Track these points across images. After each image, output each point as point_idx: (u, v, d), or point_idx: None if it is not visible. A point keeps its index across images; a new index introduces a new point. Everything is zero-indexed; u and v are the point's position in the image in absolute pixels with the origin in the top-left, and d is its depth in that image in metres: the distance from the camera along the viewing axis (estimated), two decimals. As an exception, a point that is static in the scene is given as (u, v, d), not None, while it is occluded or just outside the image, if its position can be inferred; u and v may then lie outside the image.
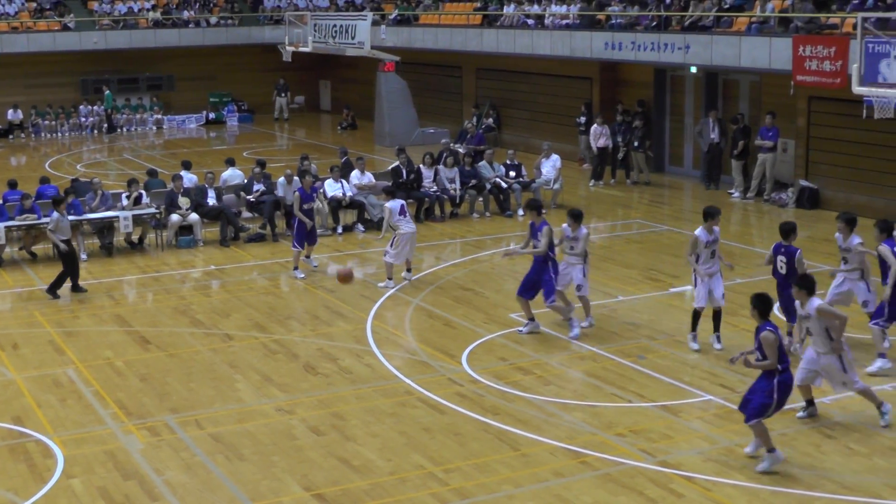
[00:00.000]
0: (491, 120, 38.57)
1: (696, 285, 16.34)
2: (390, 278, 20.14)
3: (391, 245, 20.09)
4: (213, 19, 48.64)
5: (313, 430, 13.70)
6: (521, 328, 17.46)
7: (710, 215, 16.29)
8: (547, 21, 34.91)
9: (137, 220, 23.65)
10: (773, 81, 28.07)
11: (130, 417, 14.25)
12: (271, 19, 49.40)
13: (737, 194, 28.29)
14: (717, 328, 16.39)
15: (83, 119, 45.55)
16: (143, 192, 24.45)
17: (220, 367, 16.19)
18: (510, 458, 12.76)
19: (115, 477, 12.43)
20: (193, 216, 24.09)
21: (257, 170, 25.56)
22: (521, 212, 26.40)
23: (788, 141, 27.93)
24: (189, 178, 25.85)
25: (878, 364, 15.24)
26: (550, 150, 28.04)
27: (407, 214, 20.31)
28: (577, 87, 35.03)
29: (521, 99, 38.06)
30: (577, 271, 17.27)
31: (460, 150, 30.45)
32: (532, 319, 17.39)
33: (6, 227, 22.47)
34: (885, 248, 15.29)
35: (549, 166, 27.56)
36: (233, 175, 26.59)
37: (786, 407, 13.60)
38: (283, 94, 48.58)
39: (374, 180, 26.04)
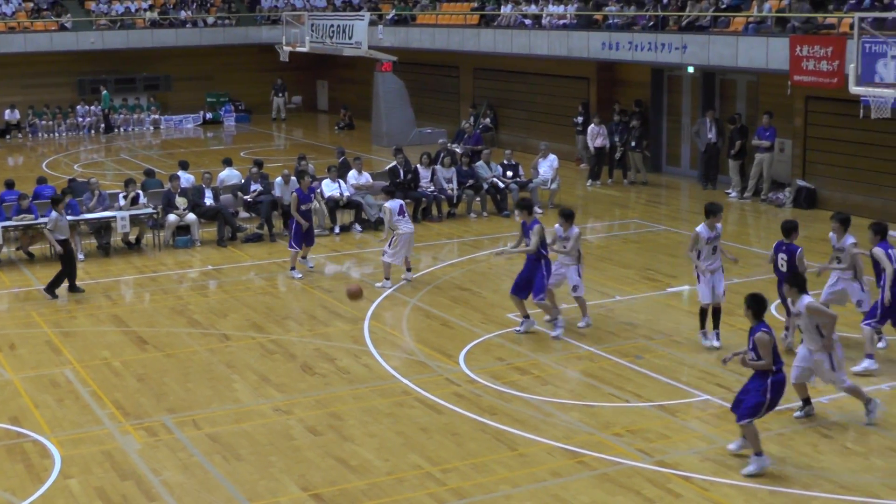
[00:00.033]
0: (488, 120, 38.56)
1: (699, 282, 16.38)
2: (387, 278, 20.14)
3: (389, 245, 20.10)
4: (210, 19, 48.62)
5: (311, 430, 13.70)
6: (517, 328, 17.47)
7: (711, 212, 16.33)
8: (544, 21, 34.91)
9: (134, 220, 23.64)
10: (770, 81, 28.09)
11: (128, 417, 14.24)
12: (268, 19, 49.37)
13: (734, 194, 28.30)
14: (716, 325, 16.42)
15: (80, 119, 45.52)
16: (141, 192, 24.44)
17: (218, 367, 16.19)
18: (507, 457, 12.77)
19: (112, 477, 12.43)
20: (190, 216, 24.08)
21: (255, 170, 25.56)
22: (516, 211, 26.34)
23: (785, 141, 27.95)
24: (186, 179, 25.84)
25: (865, 364, 15.25)
26: (548, 150, 28.04)
27: (406, 215, 20.33)
28: (575, 87, 35.03)
29: (519, 99, 38.06)
30: (572, 272, 17.29)
31: (457, 150, 30.43)
32: (527, 317, 17.40)
33: (3, 227, 22.47)
34: (879, 251, 15.34)
35: (547, 166, 27.56)
36: (230, 175, 26.58)
37: (782, 407, 13.66)
38: (280, 94, 48.57)
39: (371, 180, 26.03)
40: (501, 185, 26.91)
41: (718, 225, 16.38)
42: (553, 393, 14.83)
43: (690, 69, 30.73)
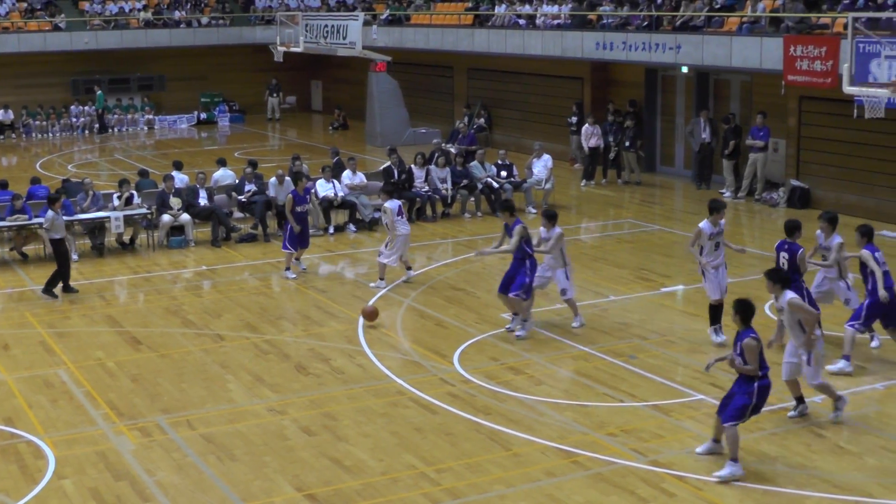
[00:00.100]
0: (482, 120, 38.59)
1: (705, 280, 16.44)
2: (382, 279, 20.13)
3: (386, 245, 20.09)
4: (205, 19, 48.59)
5: (305, 430, 13.70)
6: (508, 326, 17.48)
7: (715, 209, 16.40)
8: (538, 21, 34.93)
9: (128, 220, 23.62)
10: (763, 81, 28.13)
11: (122, 418, 14.23)
12: (262, 19, 49.36)
13: (728, 194, 28.32)
14: (718, 321, 16.47)
15: (74, 119, 45.47)
16: (135, 192, 24.43)
17: (212, 367, 16.18)
18: (502, 457, 12.77)
19: (106, 478, 12.42)
20: (185, 216, 24.07)
21: (249, 170, 25.55)
22: (500, 213, 26.41)
23: (779, 140, 27.98)
24: (180, 179, 25.83)
25: (840, 365, 15.25)
26: (542, 150, 28.06)
27: (403, 215, 20.37)
28: (569, 87, 35.06)
29: (513, 99, 38.08)
30: (559, 275, 17.30)
31: (452, 150, 30.46)
32: (516, 315, 17.42)
33: (-3, 227, 22.46)
34: (866, 253, 15.38)
35: (541, 166, 27.58)
36: (224, 175, 26.57)
37: (776, 406, 13.70)
38: (275, 95, 48.55)
39: (365, 180, 26.04)
40: (496, 185, 26.92)
41: (722, 221, 16.45)
42: (547, 393, 14.84)
43: (684, 69, 30.76)
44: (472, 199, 26.88)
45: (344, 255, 23.25)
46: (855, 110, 22.06)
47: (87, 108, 45.71)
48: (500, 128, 38.73)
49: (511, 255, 17.26)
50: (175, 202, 24.06)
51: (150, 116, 46.96)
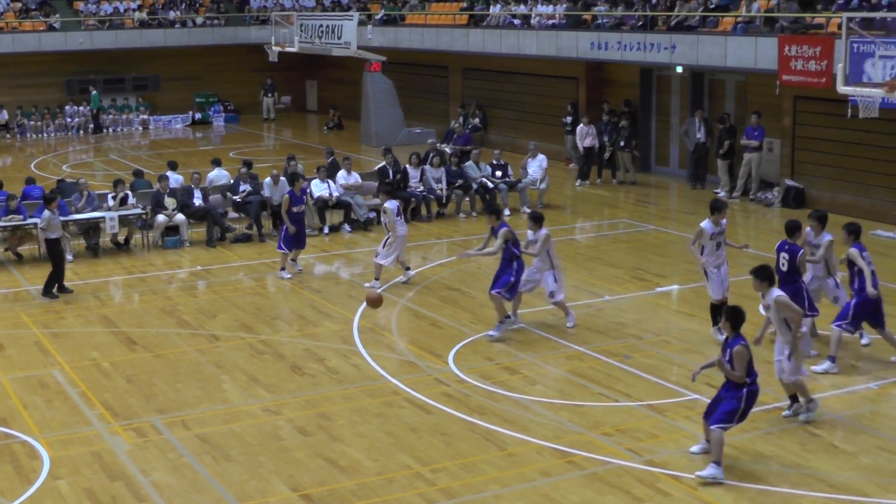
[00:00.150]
0: (477, 120, 38.59)
1: (707, 279, 16.48)
2: (377, 279, 20.12)
3: (383, 246, 20.07)
4: (199, 19, 48.55)
5: (300, 430, 13.69)
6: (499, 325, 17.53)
7: (716, 208, 16.46)
8: (533, 21, 34.94)
9: (123, 220, 23.59)
10: (758, 81, 28.15)
11: (117, 418, 14.22)
12: (257, 19, 49.33)
13: (723, 194, 28.30)
14: (720, 320, 16.50)
15: (69, 119, 45.42)
16: (129, 192, 24.40)
17: (207, 367, 16.18)
18: (497, 457, 12.77)
19: (101, 478, 12.41)
20: (179, 217, 24.05)
21: (244, 170, 25.53)
22: (506, 211, 26.41)
23: (774, 140, 28.00)
24: (175, 179, 25.80)
25: (826, 366, 15.27)
26: (537, 150, 28.06)
27: (402, 216, 20.38)
28: (564, 86, 35.06)
29: (508, 99, 38.07)
30: (548, 278, 17.29)
31: (447, 150, 30.45)
32: (508, 316, 17.45)
33: (-8, 227, 22.45)
34: (854, 252, 15.40)
35: (536, 166, 27.59)
36: (219, 175, 26.55)
37: (771, 406, 13.72)
38: (269, 95, 48.53)
39: (360, 180, 26.03)
40: (490, 185, 26.92)
41: (723, 221, 16.49)
42: (542, 393, 14.85)
43: (679, 69, 30.77)
44: (467, 199, 26.88)
45: (339, 256, 23.24)
46: (849, 110, 22.08)
47: (81, 108, 45.67)
48: (495, 128, 38.73)
49: (496, 258, 17.33)
50: (170, 202, 24.04)
51: (145, 116, 46.90)
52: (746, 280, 18.88)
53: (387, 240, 20.01)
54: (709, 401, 14.03)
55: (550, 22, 34.20)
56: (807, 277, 16.34)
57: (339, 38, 38.77)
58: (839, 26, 22.50)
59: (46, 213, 20.24)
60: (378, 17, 43.28)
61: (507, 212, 26.35)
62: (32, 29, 45.29)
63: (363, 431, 13.60)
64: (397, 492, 11.93)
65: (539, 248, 17.14)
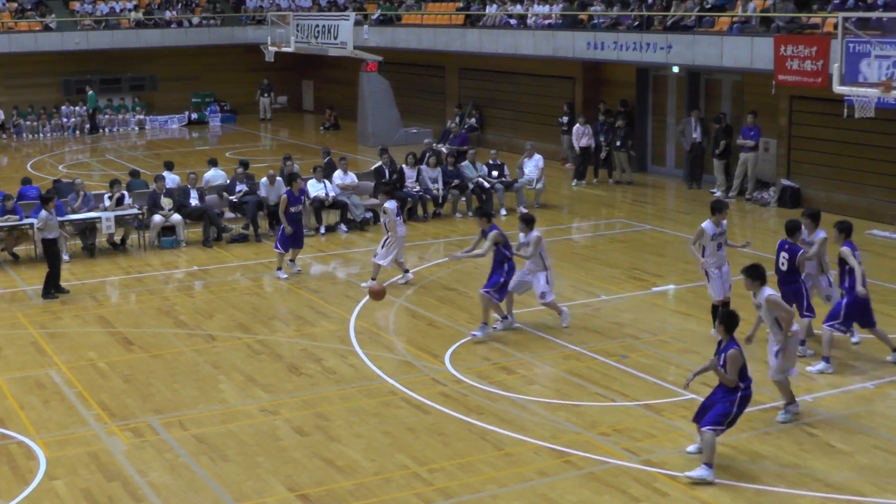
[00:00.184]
0: (474, 120, 38.61)
1: (709, 281, 16.50)
2: (374, 279, 20.11)
3: (382, 246, 20.05)
4: (196, 19, 48.54)
5: (297, 430, 13.69)
6: (495, 325, 17.51)
7: (717, 209, 16.48)
8: (529, 21, 34.95)
9: (120, 220, 23.58)
10: (754, 81, 28.18)
11: (114, 419, 14.22)
12: (254, 19, 49.31)
13: (719, 193, 28.34)
14: None
15: (65, 120, 45.40)
16: (126, 192, 24.37)
17: (204, 367, 16.17)
18: (494, 457, 12.78)
19: (98, 478, 12.41)
20: (176, 217, 24.04)
21: (240, 170, 25.53)
22: (503, 211, 26.47)
23: (770, 140, 28.02)
24: (171, 179, 25.80)
25: (821, 366, 15.27)
26: (533, 150, 28.07)
27: (401, 216, 20.39)
28: (560, 86, 35.08)
29: (504, 99, 38.09)
30: (540, 278, 17.28)
31: (443, 150, 30.45)
32: (505, 318, 17.45)
33: (-12, 228, 22.42)
34: (846, 250, 15.40)
35: (532, 166, 27.60)
36: (215, 175, 26.54)
37: (767, 405, 13.73)
38: (266, 95, 48.53)
39: (356, 180, 26.03)
40: (487, 184, 26.92)
41: (724, 222, 16.51)
42: (539, 392, 14.85)
43: (675, 69, 30.81)
44: (464, 198, 26.88)
45: (335, 256, 23.24)
46: (845, 110, 22.09)
47: (77, 108, 45.64)
48: (491, 127, 38.75)
49: (490, 258, 17.37)
50: (166, 202, 24.04)
51: (142, 116, 46.89)
52: (738, 279, 18.95)
53: (386, 240, 19.99)
54: (701, 399, 14.09)
55: (547, 22, 34.21)
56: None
57: (335, 38, 38.79)
58: (835, 26, 22.53)
59: (43, 213, 20.23)
60: (374, 16, 43.27)
61: (503, 212, 26.42)
62: (28, 29, 45.25)
63: (360, 431, 13.61)
64: (395, 492, 11.93)
65: (531, 251, 17.15)
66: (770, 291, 13.36)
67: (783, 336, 13.28)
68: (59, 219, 22.03)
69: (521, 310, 17.83)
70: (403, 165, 26.71)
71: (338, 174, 25.80)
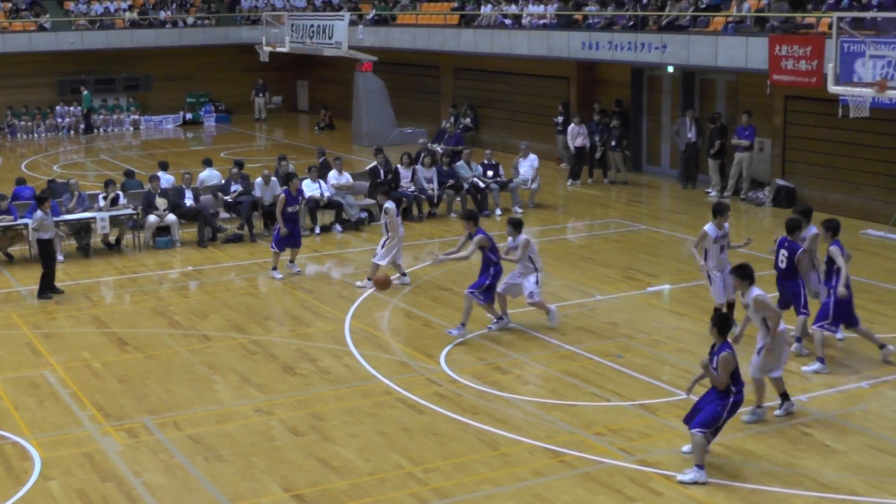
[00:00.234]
0: (468, 120, 38.60)
1: (711, 284, 16.52)
2: (370, 279, 20.10)
3: (381, 246, 20.04)
4: (190, 20, 48.50)
5: (292, 430, 13.69)
6: (490, 325, 17.52)
7: (719, 212, 16.53)
8: (524, 21, 34.95)
9: (114, 221, 23.56)
10: (749, 81, 28.19)
11: (108, 419, 14.20)
12: (248, 19, 49.30)
13: (714, 193, 28.38)
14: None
15: (59, 120, 45.36)
16: (120, 192, 24.36)
17: (199, 368, 16.16)
18: (489, 457, 12.78)
19: (93, 479, 12.39)
20: (171, 217, 24.03)
21: (235, 170, 25.51)
22: (498, 211, 26.48)
23: (765, 140, 28.05)
24: (166, 179, 25.78)
25: (816, 367, 15.28)
26: (528, 150, 28.08)
27: (399, 216, 20.40)
28: (555, 86, 35.08)
29: (499, 99, 38.10)
30: (530, 279, 17.27)
31: (438, 150, 30.45)
32: (500, 318, 17.45)
33: (-18, 228, 22.39)
34: (834, 249, 15.40)
35: (527, 166, 27.61)
36: (210, 175, 26.53)
37: (764, 405, 13.72)
38: (261, 95, 48.50)
39: (351, 180, 26.03)
40: (482, 184, 26.93)
41: (726, 225, 16.53)
42: (534, 392, 14.86)
43: (670, 69, 30.82)
44: (459, 199, 26.88)
45: (330, 256, 23.23)
46: (840, 110, 22.11)
47: (72, 108, 45.59)
48: (486, 127, 38.75)
49: (476, 261, 17.42)
50: (161, 203, 24.02)
51: (136, 117, 46.86)
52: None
53: (386, 240, 19.97)
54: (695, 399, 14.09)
55: (541, 22, 34.22)
56: None
57: (330, 38, 38.77)
58: (829, 26, 22.53)
59: (39, 213, 20.21)
60: (369, 16, 43.26)
61: (498, 212, 26.43)
62: (23, 29, 45.19)
63: (355, 431, 13.60)
64: (390, 492, 11.93)
65: (520, 254, 17.14)
66: (758, 292, 13.38)
67: (770, 337, 13.29)
68: (55, 219, 22.03)
69: (516, 310, 17.83)
70: (398, 165, 26.71)
71: (333, 174, 25.79)
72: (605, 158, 30.95)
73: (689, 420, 12.23)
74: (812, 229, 16.14)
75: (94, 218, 23.22)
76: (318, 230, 24.90)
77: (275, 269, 21.14)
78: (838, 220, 15.92)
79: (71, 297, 20.10)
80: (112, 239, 23.90)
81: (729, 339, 12.29)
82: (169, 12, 48.47)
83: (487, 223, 25.39)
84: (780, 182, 27.19)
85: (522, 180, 27.42)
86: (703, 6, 29.28)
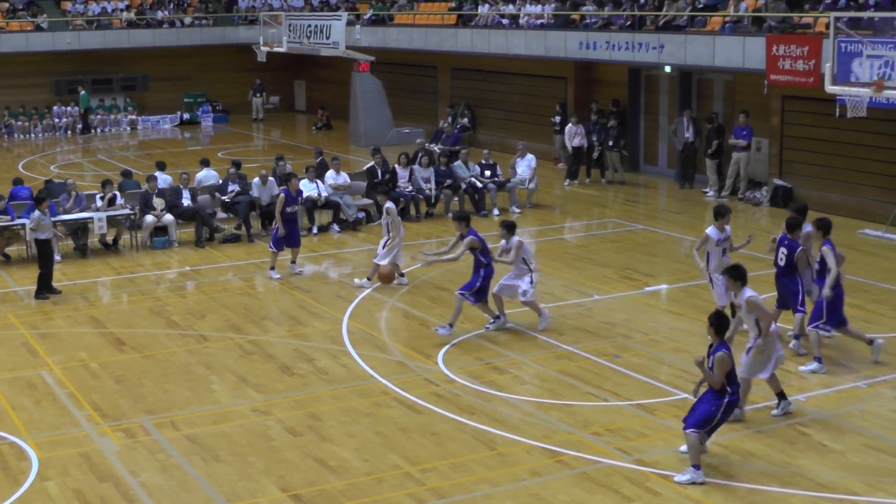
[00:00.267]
0: (466, 120, 38.59)
1: (713, 286, 16.53)
2: (369, 279, 20.10)
3: (383, 247, 20.03)
4: (188, 19, 48.47)
5: (289, 430, 13.68)
6: (488, 325, 17.51)
7: (720, 214, 16.52)
8: (521, 21, 34.95)
9: (112, 221, 23.54)
10: (746, 80, 28.20)
11: (105, 419, 14.19)
12: (246, 19, 49.26)
13: (711, 193, 28.39)
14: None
15: (57, 120, 45.32)
16: (118, 192, 24.34)
17: (196, 368, 16.15)
18: (487, 457, 12.77)
19: (90, 479, 12.38)
20: (168, 217, 24.01)
21: (232, 170, 25.50)
22: (495, 211, 26.48)
23: (762, 140, 28.06)
24: (163, 179, 25.76)
25: (813, 367, 15.28)
26: (525, 150, 28.08)
27: (398, 216, 20.43)
28: (552, 86, 35.08)
29: (497, 98, 38.09)
30: (524, 279, 17.27)
31: (435, 150, 30.45)
32: (497, 317, 17.45)
33: (-21, 228, 22.37)
34: (826, 249, 15.38)
35: (525, 166, 27.61)
36: (207, 176, 26.51)
37: (760, 405, 13.74)
38: (258, 95, 48.48)
39: (349, 180, 26.03)
40: (479, 184, 26.93)
41: (728, 227, 16.51)
42: (532, 392, 14.85)
43: (667, 69, 30.82)
44: (456, 198, 26.87)
45: (328, 256, 23.23)
46: (837, 109, 22.13)
47: (69, 108, 45.56)
48: (483, 127, 38.74)
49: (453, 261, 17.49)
50: (158, 203, 24.00)
51: (133, 117, 46.82)
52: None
53: (387, 241, 19.96)
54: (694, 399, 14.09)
55: (539, 22, 34.21)
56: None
57: (327, 38, 38.76)
58: (827, 26, 22.55)
59: (36, 213, 20.19)
60: (366, 16, 43.26)
61: (496, 211, 26.43)
62: (20, 29, 45.16)
63: (353, 431, 13.60)
64: (387, 492, 11.93)
65: (513, 256, 17.13)
66: (750, 293, 13.37)
67: (762, 338, 13.28)
68: (52, 219, 22.00)
69: (514, 310, 17.82)
70: (396, 165, 26.71)
71: (330, 174, 25.79)
72: (603, 158, 30.94)
73: (686, 420, 12.23)
74: (806, 227, 16.17)
75: (92, 218, 23.21)
76: (315, 230, 24.89)
77: (272, 268, 21.13)
78: (830, 220, 15.91)
79: (68, 298, 20.09)
80: (109, 239, 23.89)
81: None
82: (166, 12, 48.45)
83: (485, 223, 25.41)
84: (778, 182, 27.19)
85: (520, 180, 27.43)
86: (701, 6, 29.29)
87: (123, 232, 24.01)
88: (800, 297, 15.64)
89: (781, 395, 13.77)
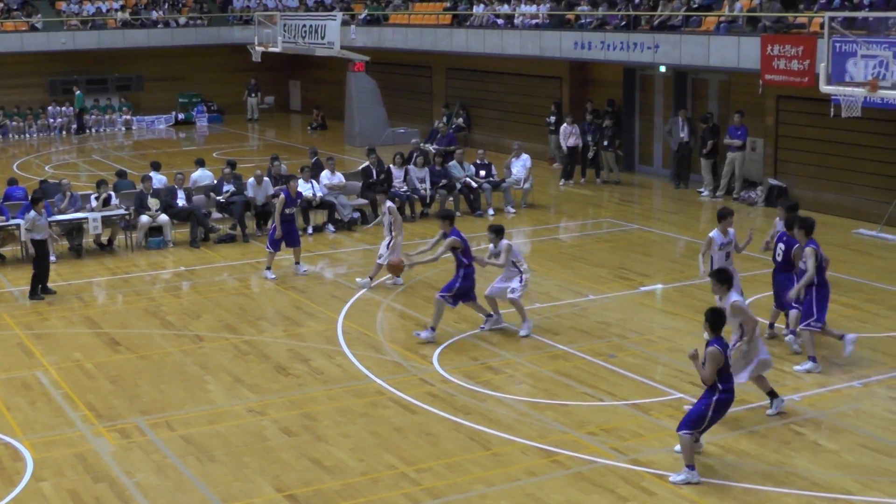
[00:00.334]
0: (461, 120, 38.61)
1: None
2: (370, 278, 20.09)
3: (386, 247, 20.03)
4: (182, 20, 48.45)
5: (285, 430, 13.68)
6: (482, 325, 17.51)
7: (723, 216, 16.47)
8: (517, 21, 34.97)
9: (107, 221, 23.53)
10: (741, 80, 28.23)
11: (101, 420, 14.18)
12: (241, 19, 49.25)
13: (706, 193, 28.42)
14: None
15: (51, 120, 45.28)
16: (113, 193, 24.32)
17: (191, 368, 16.14)
18: (482, 457, 12.78)
19: (85, 480, 12.38)
20: (163, 217, 24.00)
21: (227, 170, 25.49)
22: (490, 211, 26.49)
23: (757, 140, 28.08)
24: (158, 179, 25.75)
25: (808, 366, 15.28)
26: (521, 150, 28.09)
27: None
28: (547, 86, 35.10)
29: (491, 98, 38.10)
30: (514, 279, 17.23)
31: (430, 150, 30.46)
32: (490, 315, 17.45)
33: (-26, 229, 22.34)
34: (810, 250, 15.29)
35: (520, 166, 27.62)
36: (202, 176, 26.50)
37: (755, 404, 13.75)
38: (253, 95, 48.47)
39: (344, 180, 26.02)
40: (474, 184, 26.94)
41: (731, 230, 16.49)
42: (527, 392, 14.86)
43: (662, 68, 30.84)
44: (451, 198, 26.88)
45: (323, 256, 23.22)
46: (832, 109, 22.14)
47: (64, 108, 45.52)
48: (478, 127, 38.75)
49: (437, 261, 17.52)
50: (153, 203, 23.99)
51: (128, 117, 46.80)
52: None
53: (389, 241, 19.97)
54: (693, 400, 14.08)
55: (534, 22, 34.23)
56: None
57: (322, 38, 38.77)
58: (821, 26, 22.59)
59: (32, 213, 20.17)
60: (361, 16, 43.23)
61: (490, 211, 26.44)
62: (14, 29, 45.10)
63: (348, 432, 13.60)
64: (382, 492, 11.93)
65: (503, 259, 17.11)
66: (736, 297, 13.38)
67: (746, 343, 13.29)
68: (47, 219, 21.98)
69: (509, 310, 17.81)
70: (391, 165, 26.71)
71: (325, 174, 25.78)
72: (598, 158, 30.95)
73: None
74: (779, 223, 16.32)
75: (87, 218, 23.19)
76: (310, 230, 24.88)
77: (268, 268, 21.13)
78: (813, 219, 15.84)
79: (63, 298, 20.07)
80: (104, 239, 23.87)
81: None
82: (161, 12, 48.41)
83: (480, 223, 25.42)
84: (773, 182, 27.22)
85: (515, 180, 27.44)
86: (696, 6, 29.31)
87: (118, 232, 23.99)
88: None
89: (772, 394, 13.77)
